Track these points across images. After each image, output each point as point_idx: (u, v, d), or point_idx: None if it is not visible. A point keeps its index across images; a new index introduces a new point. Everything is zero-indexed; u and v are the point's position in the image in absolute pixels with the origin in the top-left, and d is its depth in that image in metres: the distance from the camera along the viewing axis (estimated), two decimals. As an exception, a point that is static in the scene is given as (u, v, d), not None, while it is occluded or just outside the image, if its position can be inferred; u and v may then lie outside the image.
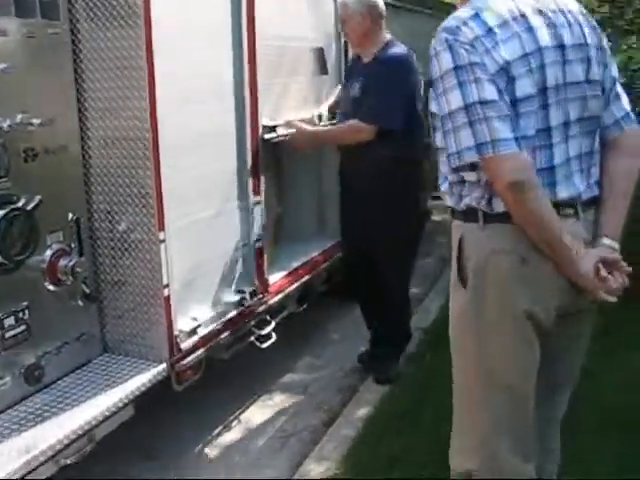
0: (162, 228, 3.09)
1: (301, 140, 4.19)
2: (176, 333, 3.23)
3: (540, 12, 2.07)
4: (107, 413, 2.88)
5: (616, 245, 2.13)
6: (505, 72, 1.97)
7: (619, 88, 2.25)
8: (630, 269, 2.11)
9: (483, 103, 1.95)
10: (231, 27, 3.55)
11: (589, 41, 2.13)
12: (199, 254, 3.42)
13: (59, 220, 3.01)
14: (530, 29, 2.02)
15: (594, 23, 2.22)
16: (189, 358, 3.32)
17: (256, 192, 3.82)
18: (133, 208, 3.09)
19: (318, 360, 4.69)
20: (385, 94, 3.87)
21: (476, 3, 2.06)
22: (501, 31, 1.99)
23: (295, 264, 4.46)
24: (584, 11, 2.22)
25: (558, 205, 2.06)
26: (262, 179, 3.87)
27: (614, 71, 2.24)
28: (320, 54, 4.68)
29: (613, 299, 2.07)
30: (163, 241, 3.10)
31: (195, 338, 3.36)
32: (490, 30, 1.98)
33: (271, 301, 4.02)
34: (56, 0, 2.90)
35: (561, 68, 2.06)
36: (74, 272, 3.00)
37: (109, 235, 3.18)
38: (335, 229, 4.91)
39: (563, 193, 2.09)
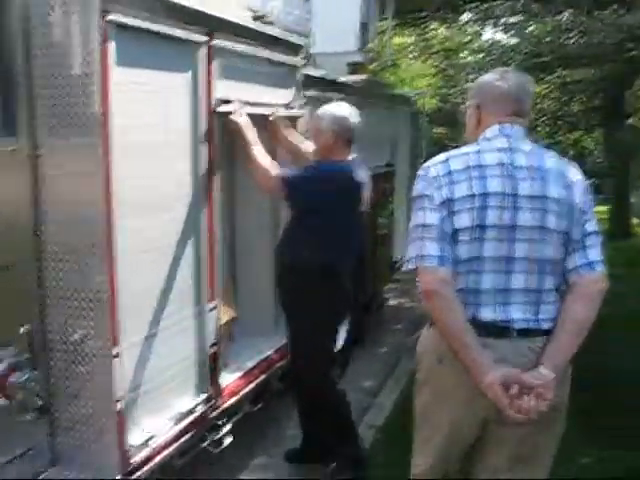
0: (116, 342, 3.07)
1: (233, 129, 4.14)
2: (127, 447, 3.18)
3: (502, 165, 2.53)
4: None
5: (549, 374, 2.39)
6: (448, 206, 2.48)
7: (590, 240, 2.56)
8: (550, 397, 2.35)
9: (424, 226, 2.50)
10: (190, 135, 3.61)
11: (550, 195, 2.52)
12: (153, 365, 3.39)
13: (12, 334, 2.98)
14: (483, 177, 2.50)
15: (572, 180, 2.57)
16: (140, 471, 3.26)
17: (212, 297, 3.83)
18: (87, 321, 3.08)
19: (273, 458, 4.63)
20: (306, 175, 4.08)
21: (453, 151, 2.63)
22: (457, 174, 2.51)
23: (250, 364, 4.46)
24: (565, 169, 2.60)
25: (481, 323, 2.47)
26: (218, 284, 3.89)
27: (588, 226, 2.57)
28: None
29: (519, 417, 2.35)
30: (117, 355, 3.08)
31: (147, 450, 3.30)
32: (449, 173, 2.53)
33: (225, 405, 4.00)
34: (15, 117, 2.94)
35: (511, 212, 2.48)
36: (26, 387, 2.97)
37: (63, 347, 3.14)
38: (291, 326, 4.95)
39: (487, 315, 2.50)
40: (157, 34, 3.24)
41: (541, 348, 2.46)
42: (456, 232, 2.48)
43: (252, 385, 4.34)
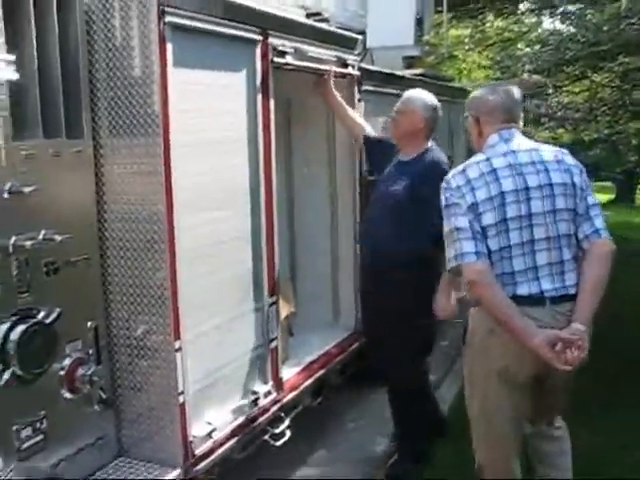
0: (178, 337, 3.15)
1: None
2: (190, 439, 3.26)
3: (510, 166, 3.01)
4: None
5: (582, 328, 2.88)
6: (473, 209, 2.95)
7: (594, 211, 3.06)
8: (586, 346, 2.83)
9: (458, 229, 2.95)
10: (247, 133, 3.67)
11: (554, 181, 3.01)
12: (215, 359, 3.47)
13: (78, 329, 3.07)
14: (497, 179, 2.98)
15: (569, 165, 3.09)
16: (203, 463, 3.34)
17: (271, 293, 3.89)
18: (150, 316, 3.16)
19: (333, 452, 4.66)
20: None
21: (467, 161, 3.12)
22: (475, 182, 2.98)
23: (309, 358, 4.51)
24: (561, 157, 3.10)
25: (520, 298, 2.94)
26: (277, 279, 3.94)
27: (589, 200, 3.07)
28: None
29: (568, 368, 2.82)
30: (179, 349, 3.16)
31: (209, 442, 3.38)
32: (468, 181, 2.99)
33: (285, 399, 4.05)
34: (81, 119, 3.03)
35: (525, 204, 2.97)
36: (91, 381, 3.06)
37: (126, 341, 3.24)
38: (350, 320, 5.00)
39: (523, 290, 2.97)
40: (213, 34, 3.31)
41: (570, 311, 2.95)
42: (484, 229, 2.94)
43: (312, 379, 4.39)
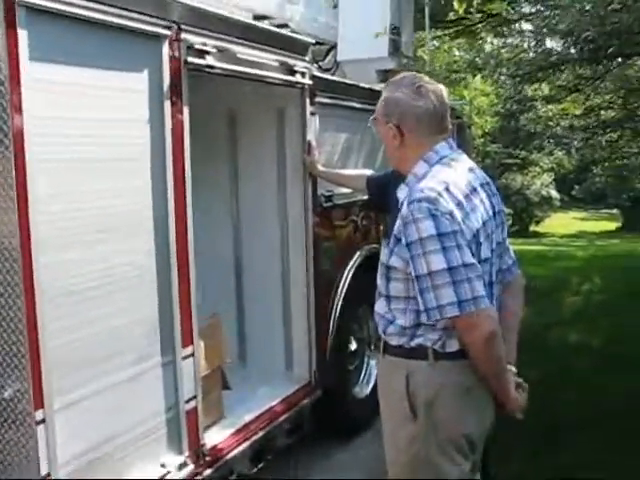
0: (41, 405, 2.46)
1: None
2: (62, 535, 2.56)
3: (482, 185, 2.47)
4: None
5: (514, 369, 2.55)
6: (475, 239, 2.34)
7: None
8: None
9: (466, 266, 2.27)
10: (150, 148, 2.95)
11: (501, 207, 2.58)
12: (102, 430, 2.76)
13: None
14: (482, 201, 2.43)
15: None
16: None
17: (186, 342, 3.17)
18: (5, 379, 2.47)
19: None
20: None
21: (440, 176, 2.37)
22: (466, 204, 2.34)
23: (248, 417, 3.79)
24: None
25: None
26: (195, 326, 3.23)
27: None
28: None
29: (521, 416, 2.53)
30: (42, 421, 2.47)
31: (91, 537, 2.68)
32: (459, 203, 2.32)
33: (208, 470, 3.32)
34: None
35: (497, 233, 2.50)
36: None
37: (-14, 409, 2.55)
38: (303, 370, 4.31)
39: None
40: (95, 23, 2.62)
41: None
42: (479, 263, 2.36)
43: (248, 443, 3.67)
